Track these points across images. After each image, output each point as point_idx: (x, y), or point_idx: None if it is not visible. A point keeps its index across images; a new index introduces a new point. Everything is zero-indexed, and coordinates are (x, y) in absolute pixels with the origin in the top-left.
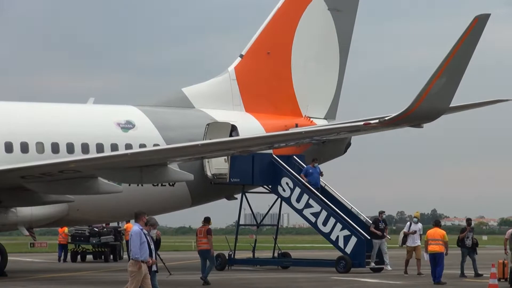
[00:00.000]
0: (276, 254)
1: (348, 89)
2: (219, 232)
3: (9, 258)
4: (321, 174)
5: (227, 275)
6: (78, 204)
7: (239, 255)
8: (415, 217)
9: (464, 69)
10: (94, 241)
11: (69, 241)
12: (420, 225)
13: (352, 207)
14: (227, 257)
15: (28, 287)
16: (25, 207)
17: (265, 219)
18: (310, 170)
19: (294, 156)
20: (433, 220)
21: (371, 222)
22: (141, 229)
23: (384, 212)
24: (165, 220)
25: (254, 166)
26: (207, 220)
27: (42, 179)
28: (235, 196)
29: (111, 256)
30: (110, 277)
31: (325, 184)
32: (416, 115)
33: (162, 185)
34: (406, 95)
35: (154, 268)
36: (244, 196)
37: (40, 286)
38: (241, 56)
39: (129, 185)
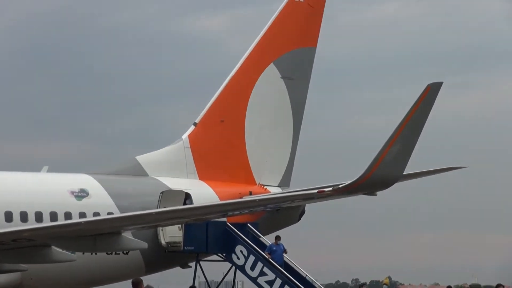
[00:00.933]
0: None
1: (302, 157)
2: None
3: None
4: (285, 251)
5: None
6: (31, 273)
7: None
8: (384, 284)
9: (417, 136)
10: None
11: None
12: None
13: (306, 275)
14: None
15: None
16: None
17: (219, 287)
18: (274, 248)
19: (249, 224)
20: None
21: None
22: None
23: (365, 284)
24: None
25: (208, 234)
26: None
27: None
28: (189, 264)
29: None
30: None
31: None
32: (369, 183)
33: (116, 253)
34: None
35: None
36: (198, 264)
37: None
38: (195, 124)
39: (83, 253)
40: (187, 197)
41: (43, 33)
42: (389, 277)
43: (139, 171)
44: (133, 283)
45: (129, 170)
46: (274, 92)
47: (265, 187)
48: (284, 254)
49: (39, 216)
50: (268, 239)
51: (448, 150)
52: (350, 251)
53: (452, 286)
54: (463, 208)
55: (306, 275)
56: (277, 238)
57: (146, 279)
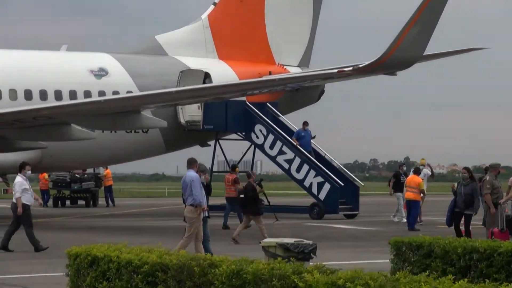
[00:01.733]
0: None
1: (322, 37)
2: None
3: None
4: (312, 137)
5: None
6: (51, 151)
7: (212, 201)
8: (421, 164)
9: (438, 18)
10: (75, 187)
11: (50, 186)
12: (426, 170)
13: (325, 154)
14: None
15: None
16: None
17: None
18: (302, 133)
19: (268, 104)
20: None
21: (344, 169)
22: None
23: (404, 164)
24: (138, 167)
25: (228, 113)
26: (233, 168)
27: (15, 125)
28: (209, 143)
29: (91, 202)
30: (102, 223)
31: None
32: (389, 63)
33: (135, 131)
34: (380, 44)
35: (205, 214)
36: (217, 143)
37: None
38: (215, 4)
39: (103, 131)
40: (206, 76)
41: None
42: (411, 159)
43: (159, 51)
44: (188, 162)
45: (149, 49)
46: None
47: (284, 67)
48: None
49: (58, 95)
50: (287, 119)
51: (469, 31)
52: (368, 132)
53: (469, 167)
54: (483, 88)
55: (325, 154)
56: (305, 123)
57: (165, 157)
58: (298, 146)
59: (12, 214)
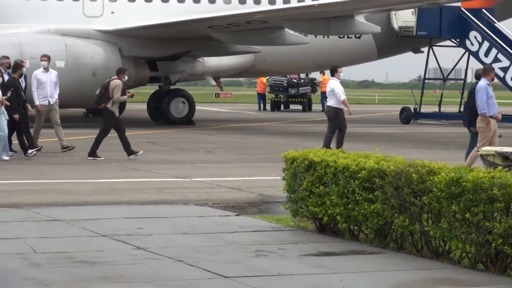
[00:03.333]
0: (461, 109)
1: None
2: (401, 86)
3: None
4: None
5: (412, 128)
6: (264, 55)
7: (424, 109)
8: None
9: None
10: (292, 92)
11: (268, 91)
12: None
13: None
14: (412, 111)
15: (216, 135)
16: (212, 57)
17: (450, 74)
18: None
19: (483, 10)
20: None
21: None
22: (488, 84)
23: None
24: (347, 73)
25: (442, 19)
26: None
27: (229, 29)
28: (421, 49)
29: (307, 107)
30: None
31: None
32: None
33: (348, 37)
34: None
35: None
36: (430, 49)
37: (226, 135)
38: None
39: (315, 36)
40: None
41: None
42: None
43: None
44: (484, 70)
45: None
46: None
47: None
48: None
49: None
50: (503, 26)
51: None
52: None
53: None
54: None
55: None
56: None
57: (375, 64)
58: None
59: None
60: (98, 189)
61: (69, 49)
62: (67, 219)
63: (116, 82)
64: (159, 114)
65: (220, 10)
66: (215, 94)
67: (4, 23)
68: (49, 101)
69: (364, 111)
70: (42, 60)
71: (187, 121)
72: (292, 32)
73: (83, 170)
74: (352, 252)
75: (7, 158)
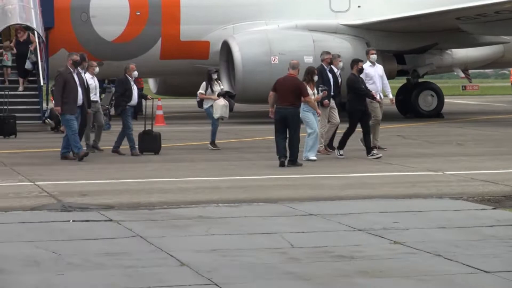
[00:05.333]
0: None
1: None
2: None
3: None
4: None
5: None
6: None
7: None
8: None
9: None
10: None
11: None
12: None
13: None
14: None
15: (466, 128)
16: (460, 49)
17: None
18: None
19: None
20: None
21: None
22: None
23: None
24: None
25: None
26: None
27: (477, 20)
28: None
29: None
30: None
31: None
32: None
33: None
34: None
35: None
36: None
37: (476, 128)
38: None
39: None
40: None
41: None
42: None
43: None
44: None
45: None
46: None
47: None
48: None
49: None
50: None
51: None
52: None
53: None
54: None
55: None
56: None
57: None
58: None
59: None
60: (351, 183)
61: (317, 44)
62: (322, 214)
63: None
64: (408, 108)
65: (466, 0)
66: (462, 86)
67: (253, 20)
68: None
69: None
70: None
71: (436, 114)
72: None
73: (337, 165)
74: None
75: (314, 158)
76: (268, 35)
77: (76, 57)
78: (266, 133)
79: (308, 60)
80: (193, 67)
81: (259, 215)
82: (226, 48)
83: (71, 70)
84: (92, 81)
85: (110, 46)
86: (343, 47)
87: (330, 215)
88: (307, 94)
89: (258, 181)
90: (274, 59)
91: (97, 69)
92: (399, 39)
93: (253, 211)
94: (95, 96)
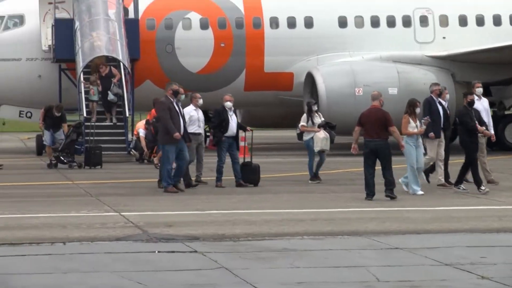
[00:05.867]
0: None
1: None
2: None
3: None
4: None
5: None
6: None
7: None
8: None
9: None
10: None
11: None
12: None
13: None
14: None
15: None
16: None
17: None
18: None
19: None
20: None
21: None
22: None
23: None
24: None
25: None
26: None
27: None
28: None
29: None
30: None
31: None
32: None
33: None
34: None
35: None
36: None
37: None
38: None
39: None
40: None
41: None
42: None
43: None
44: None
45: None
46: None
47: None
48: None
49: None
50: None
51: None
52: None
53: None
54: None
55: None
56: None
57: None
58: None
59: None
60: (437, 217)
61: (402, 75)
62: (408, 247)
63: None
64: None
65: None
66: None
67: (338, 51)
68: None
69: None
70: None
71: None
72: None
73: (423, 199)
74: None
75: (421, 192)
76: (352, 66)
77: (176, 86)
78: (351, 165)
79: (393, 91)
80: (277, 98)
81: (344, 248)
82: (310, 79)
83: (172, 99)
84: (195, 112)
85: (195, 77)
86: (428, 78)
87: (416, 249)
88: (392, 124)
89: (343, 214)
90: (359, 90)
91: (200, 101)
92: (485, 70)
93: (338, 243)
94: (198, 128)
